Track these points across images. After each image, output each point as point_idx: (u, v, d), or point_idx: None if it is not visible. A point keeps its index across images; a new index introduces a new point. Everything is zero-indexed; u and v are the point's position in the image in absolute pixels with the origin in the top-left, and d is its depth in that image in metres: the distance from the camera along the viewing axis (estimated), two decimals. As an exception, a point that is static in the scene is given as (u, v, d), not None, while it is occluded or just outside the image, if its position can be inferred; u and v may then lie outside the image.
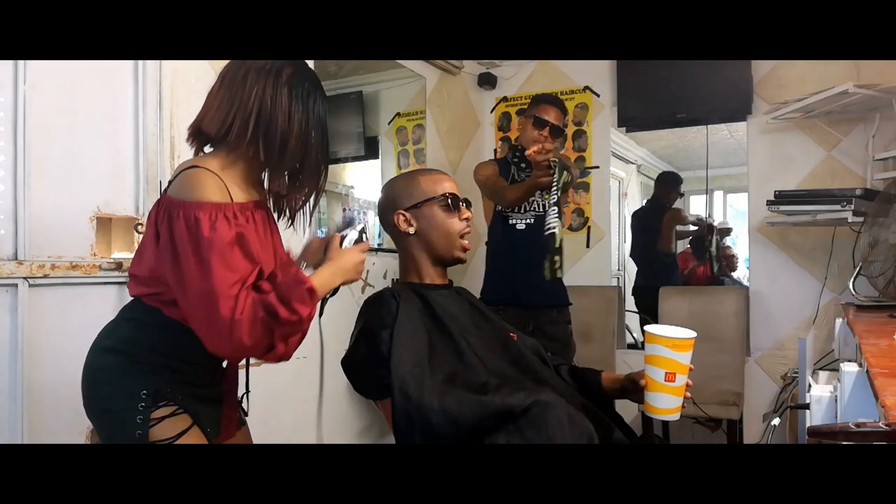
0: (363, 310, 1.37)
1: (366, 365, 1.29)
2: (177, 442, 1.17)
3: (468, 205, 1.44)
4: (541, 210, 2.38)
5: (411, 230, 1.40)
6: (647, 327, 1.30)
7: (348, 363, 1.34)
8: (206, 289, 1.08)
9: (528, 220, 2.40)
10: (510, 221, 2.41)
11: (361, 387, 1.34)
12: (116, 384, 1.17)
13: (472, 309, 1.45)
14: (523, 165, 2.41)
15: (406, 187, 1.43)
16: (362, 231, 1.34)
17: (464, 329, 1.35)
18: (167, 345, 1.19)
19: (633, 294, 3.66)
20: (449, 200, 1.40)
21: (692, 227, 3.77)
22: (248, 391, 1.40)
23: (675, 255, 3.70)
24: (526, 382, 1.29)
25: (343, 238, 1.32)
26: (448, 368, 1.26)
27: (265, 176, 1.31)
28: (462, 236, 1.42)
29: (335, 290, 1.30)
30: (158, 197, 1.77)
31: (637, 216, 3.84)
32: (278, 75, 1.19)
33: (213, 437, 1.26)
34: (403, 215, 1.40)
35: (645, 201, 3.95)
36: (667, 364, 1.27)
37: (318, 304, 1.28)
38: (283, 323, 1.11)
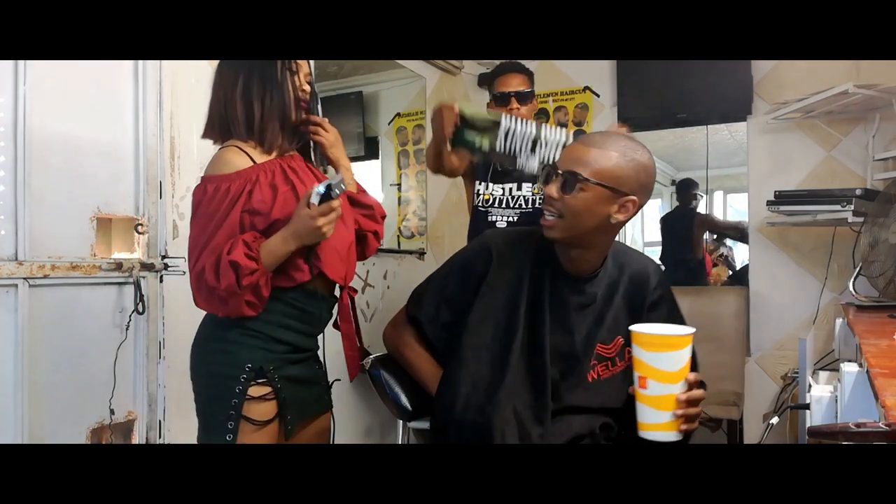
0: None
1: (445, 300, 1.40)
2: (259, 431, 1.26)
3: None
4: (528, 206, 2.05)
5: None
6: (631, 327, 1.09)
7: (429, 284, 1.45)
8: (190, 248, 1.26)
9: (510, 218, 2.07)
10: (490, 218, 2.09)
11: (424, 315, 1.43)
12: (228, 353, 1.27)
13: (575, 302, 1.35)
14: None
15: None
16: (329, 186, 1.19)
17: (541, 322, 1.33)
18: (277, 313, 1.29)
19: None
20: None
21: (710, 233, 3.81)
22: (336, 380, 1.54)
23: (702, 260, 3.73)
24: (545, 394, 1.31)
25: (314, 193, 1.20)
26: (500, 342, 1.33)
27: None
28: None
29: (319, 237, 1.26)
30: (159, 196, 1.81)
31: (666, 221, 3.88)
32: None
33: (294, 425, 1.33)
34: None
35: (674, 207, 4.00)
36: (638, 367, 1.07)
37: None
38: (210, 288, 1.20)
